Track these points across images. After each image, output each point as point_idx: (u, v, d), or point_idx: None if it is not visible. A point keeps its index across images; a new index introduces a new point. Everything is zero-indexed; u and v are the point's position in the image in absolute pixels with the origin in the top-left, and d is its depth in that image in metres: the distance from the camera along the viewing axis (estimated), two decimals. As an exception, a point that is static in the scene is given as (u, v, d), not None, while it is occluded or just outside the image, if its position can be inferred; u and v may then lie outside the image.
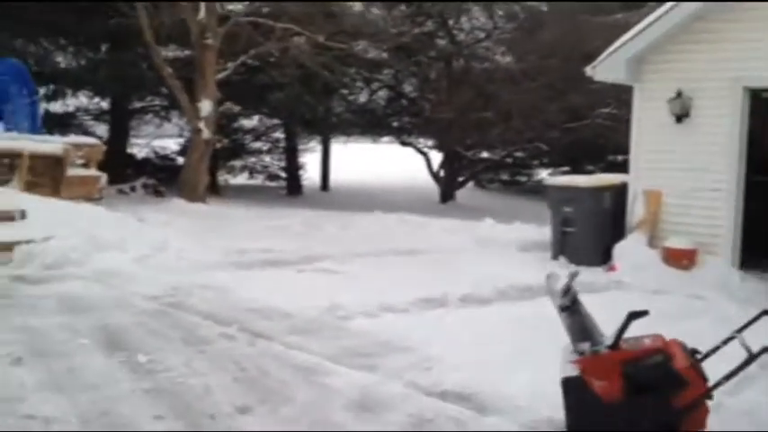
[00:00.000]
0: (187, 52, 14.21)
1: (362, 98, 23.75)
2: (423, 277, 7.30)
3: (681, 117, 8.45)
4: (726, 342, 3.39)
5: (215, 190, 20.13)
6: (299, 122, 20.07)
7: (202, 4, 12.08)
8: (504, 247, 9.89)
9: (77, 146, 9.08)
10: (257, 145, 23.05)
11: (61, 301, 5.62)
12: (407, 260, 8.49)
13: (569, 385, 3.30)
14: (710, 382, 3.22)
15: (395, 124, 23.62)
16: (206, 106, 12.38)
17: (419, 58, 21.94)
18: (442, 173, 23.31)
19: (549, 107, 18.49)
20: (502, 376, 4.34)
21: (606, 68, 8.89)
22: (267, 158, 23.33)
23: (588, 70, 9.16)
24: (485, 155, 24.05)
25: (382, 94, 23.83)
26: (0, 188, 7.93)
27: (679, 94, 8.39)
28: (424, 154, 23.60)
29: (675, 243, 8.34)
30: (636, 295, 7.04)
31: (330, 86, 17.57)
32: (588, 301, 7.15)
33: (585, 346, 3.34)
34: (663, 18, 8.37)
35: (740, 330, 3.33)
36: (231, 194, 18.79)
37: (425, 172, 23.61)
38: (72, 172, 8.85)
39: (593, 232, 8.92)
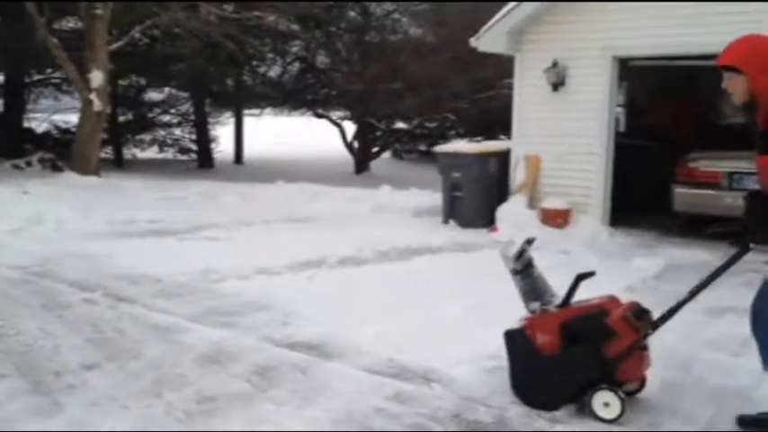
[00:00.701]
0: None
1: (275, 71, 23.58)
2: (307, 242, 7.45)
3: (557, 86, 8.85)
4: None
5: (120, 164, 19.71)
6: (206, 95, 19.76)
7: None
8: (398, 213, 10.15)
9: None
10: (166, 118, 22.62)
11: None
12: (297, 227, 8.61)
13: (510, 337, 3.57)
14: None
15: (308, 97, 23.57)
16: (97, 77, 12.07)
17: (330, 29, 21.93)
18: (356, 144, 23.49)
19: (458, 79, 18.86)
20: (354, 328, 4.55)
21: (489, 40, 9.19)
22: (177, 132, 22.95)
23: (472, 41, 9.44)
24: (400, 126, 24.35)
25: (294, 66, 23.71)
26: None
27: (555, 64, 8.78)
28: (339, 126, 23.70)
29: (551, 204, 8.80)
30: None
31: (236, 58, 17.36)
32: (467, 259, 7.49)
33: (536, 305, 3.62)
34: (538, -10, 8.71)
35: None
36: (137, 168, 18.44)
37: (341, 144, 23.74)
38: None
39: (479, 196, 9.25)
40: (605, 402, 3.31)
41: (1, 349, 4.04)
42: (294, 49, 22.47)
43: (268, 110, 24.88)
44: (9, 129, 18.31)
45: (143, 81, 20.61)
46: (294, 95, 23.25)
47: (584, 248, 7.63)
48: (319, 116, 24.02)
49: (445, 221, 9.43)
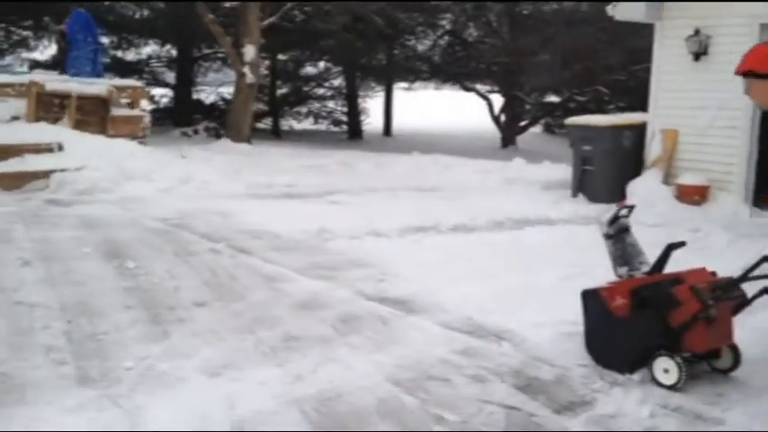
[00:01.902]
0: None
1: (425, 45, 23.83)
2: (424, 210, 7.67)
3: (698, 55, 8.36)
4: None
5: (277, 134, 20.96)
6: (356, 69, 20.42)
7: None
8: (527, 185, 10.10)
9: (122, 88, 9.86)
10: (321, 91, 23.64)
11: (80, 219, 6.39)
12: (421, 195, 8.86)
13: (586, 297, 3.71)
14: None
15: (457, 70, 23.61)
16: (249, 51, 12.97)
17: (480, 1, 21.78)
18: (503, 118, 23.28)
19: (612, 49, 18.15)
20: (444, 288, 4.75)
21: (627, 7, 8.85)
22: (331, 104, 23.93)
23: (609, 9, 9.13)
24: (551, 99, 23.81)
25: (444, 40, 23.82)
26: (43, 124, 8.83)
27: (697, 32, 8.29)
28: (486, 99, 23.57)
29: (688, 180, 8.38)
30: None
31: (385, 33, 17.80)
32: (582, 232, 7.39)
33: (623, 270, 3.76)
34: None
35: (746, 274, 3.43)
36: (292, 138, 19.52)
37: (489, 118, 23.62)
38: (118, 112, 9.64)
39: (611, 170, 9.00)
40: (665, 368, 3.34)
41: (132, 286, 4.65)
42: (443, 23, 22.56)
43: (418, 83, 25.23)
44: (181, 99, 20.10)
45: (300, 55, 21.71)
46: (443, 68, 23.40)
47: (719, 227, 7.23)
48: (467, 89, 24.00)
49: (574, 195, 9.27)
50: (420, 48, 23.80)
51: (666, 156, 8.72)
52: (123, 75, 17.25)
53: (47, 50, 19.37)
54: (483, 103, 23.77)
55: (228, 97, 21.86)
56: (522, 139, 23.03)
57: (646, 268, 3.72)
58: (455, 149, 15.48)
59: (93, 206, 6.96)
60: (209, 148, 12.00)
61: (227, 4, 16.75)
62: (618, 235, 3.81)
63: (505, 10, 21.64)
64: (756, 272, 3.39)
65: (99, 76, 11.52)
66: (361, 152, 14.07)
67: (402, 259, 5.51)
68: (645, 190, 8.54)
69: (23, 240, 5.59)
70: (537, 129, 24.87)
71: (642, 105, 9.16)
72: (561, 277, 5.03)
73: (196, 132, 16.84)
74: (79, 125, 9.17)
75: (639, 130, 9.07)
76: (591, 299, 3.65)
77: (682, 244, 3.63)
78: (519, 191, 9.61)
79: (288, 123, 22.96)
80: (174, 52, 20.44)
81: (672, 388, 3.30)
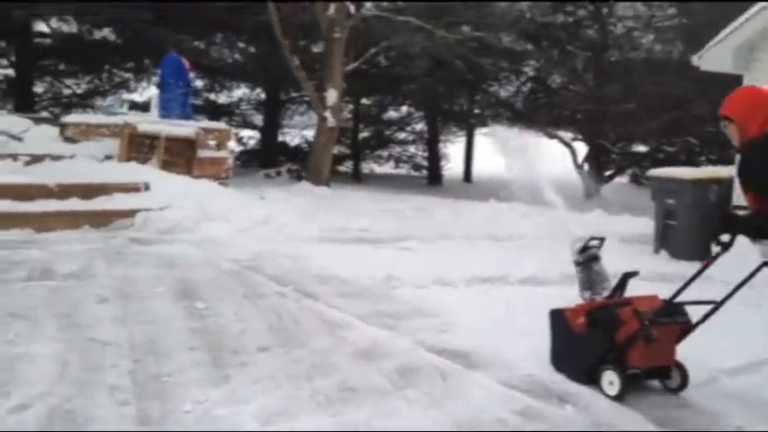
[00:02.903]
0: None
1: (507, 90, 23.83)
2: (496, 259, 7.57)
3: (791, 106, 8.00)
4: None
5: (357, 177, 21.29)
6: (437, 113, 20.61)
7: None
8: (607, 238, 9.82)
9: (209, 130, 10.27)
10: (402, 135, 23.93)
11: (159, 258, 6.64)
12: (494, 244, 8.76)
13: (553, 315, 4.29)
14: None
15: (540, 116, 23.44)
16: (332, 96, 13.31)
17: (566, 48, 21.68)
18: (586, 167, 22.86)
19: (702, 99, 17.62)
20: (507, 342, 4.64)
21: (713, 57, 8.63)
22: (412, 149, 24.16)
23: (695, 60, 8.92)
24: (640, 149, 23.27)
25: (527, 86, 23.75)
26: (133, 164, 9.29)
27: (789, 83, 7.95)
28: (570, 146, 23.23)
29: (778, 238, 7.94)
30: (711, 288, 6.85)
31: (467, 78, 17.92)
32: (658, 290, 7.13)
33: (587, 294, 4.31)
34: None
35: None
36: (371, 182, 19.76)
37: (571, 166, 23.24)
38: (203, 153, 10.05)
39: (696, 226, 8.63)
40: (610, 381, 3.84)
41: (199, 327, 4.77)
42: (527, 69, 22.54)
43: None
44: (267, 141, 20.78)
45: (383, 100, 22.14)
46: (525, 114, 23.27)
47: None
48: (550, 136, 23.73)
49: (656, 251, 8.95)
50: (503, 93, 23.82)
51: (755, 212, 8.32)
52: (215, 117, 18.00)
53: (145, 92, 20.50)
54: (566, 150, 23.45)
55: (311, 140, 22.54)
56: (606, 189, 22.51)
57: (606, 293, 4.20)
58: (534, 197, 15.26)
59: (172, 245, 7.23)
60: (288, 190, 12.30)
61: (314, 50, 17.35)
62: (586, 263, 4.32)
63: (592, 57, 21.44)
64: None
65: (188, 118, 12.06)
66: (439, 198, 14.09)
67: (466, 310, 5.44)
68: (733, 247, 8.15)
69: (104, 277, 5.84)
70: (623, 179, 24.27)
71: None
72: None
73: (279, 174, 17.34)
74: (167, 165, 9.59)
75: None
76: (557, 318, 4.24)
77: (635, 273, 4.14)
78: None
79: (368, 167, 23.32)
80: (263, 95, 21.24)
81: (615, 398, 3.77)
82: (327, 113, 13.38)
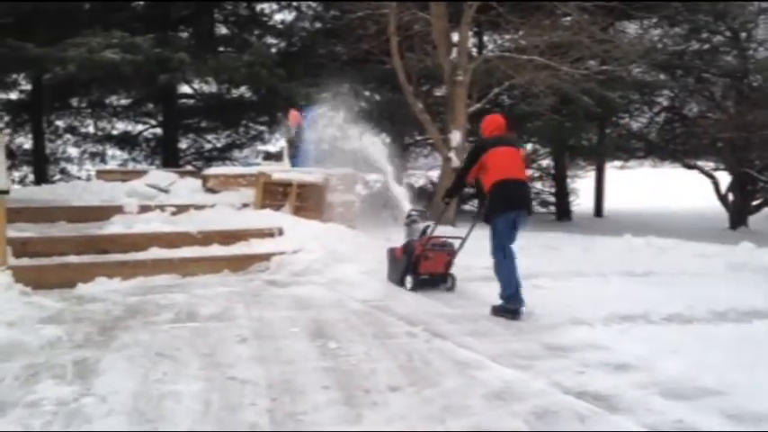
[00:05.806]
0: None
1: (640, 122, 23.01)
2: (635, 296, 7.21)
3: None
4: None
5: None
6: (564, 149, 20.18)
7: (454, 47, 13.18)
8: (756, 272, 9.18)
9: (336, 176, 10.58)
10: (528, 173, 23.57)
11: (293, 300, 6.83)
12: (632, 280, 8.35)
13: (388, 251, 7.83)
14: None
15: (676, 147, 22.39)
16: (456, 137, 13.35)
17: (702, 75, 20.72)
18: (730, 197, 21.53)
19: None
20: (652, 385, 4.37)
21: None
22: (538, 185, 23.74)
23: None
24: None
25: (660, 117, 22.82)
26: (268, 210, 9.72)
27: None
28: (711, 177, 22.00)
29: None
30: None
31: (594, 112, 17.46)
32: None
33: (407, 239, 7.69)
34: None
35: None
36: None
37: (714, 196, 21.98)
38: (331, 198, 10.36)
39: None
40: (409, 281, 7.33)
41: (332, 366, 4.84)
42: (660, 99, 21.67)
43: (632, 161, 24.25)
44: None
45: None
46: (660, 146, 22.33)
47: None
48: (689, 167, 22.58)
49: (815, 284, 8.20)
50: (634, 125, 23.02)
51: None
52: (342, 162, 18.57)
53: (278, 142, 21.54)
54: (704, 180, 22.21)
55: (437, 181, 22.67)
56: (754, 220, 21.07)
57: (416, 238, 7.59)
58: (672, 231, 14.58)
59: (305, 287, 7.43)
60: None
61: (437, 93, 17.58)
62: (409, 225, 7.94)
63: (731, 83, 20.35)
64: None
65: (317, 164, 12.49)
66: (568, 234, 13.67)
67: (606, 350, 5.19)
68: None
69: (243, 318, 6.09)
70: (769, 209, 22.62)
71: None
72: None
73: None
74: (298, 211, 9.96)
75: None
76: (391, 251, 7.76)
77: (423, 212, 8.45)
78: (746, 278, 8.74)
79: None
80: (387, 140, 21.69)
81: (410, 290, 7.25)
82: (452, 154, 13.43)
